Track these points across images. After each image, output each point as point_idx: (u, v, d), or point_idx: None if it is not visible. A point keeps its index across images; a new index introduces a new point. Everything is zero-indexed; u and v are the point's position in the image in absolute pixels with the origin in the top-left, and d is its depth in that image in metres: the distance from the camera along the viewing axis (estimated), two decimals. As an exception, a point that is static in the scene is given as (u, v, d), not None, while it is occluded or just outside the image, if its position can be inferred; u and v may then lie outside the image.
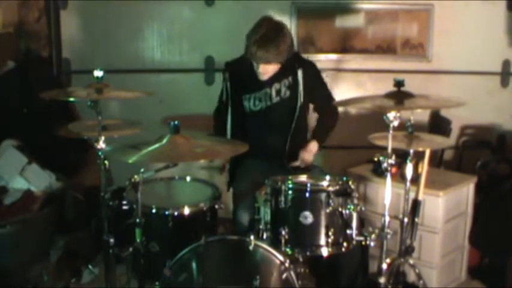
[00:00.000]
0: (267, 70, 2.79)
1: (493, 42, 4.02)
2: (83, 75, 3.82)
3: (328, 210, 2.23)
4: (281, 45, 2.72)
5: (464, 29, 3.99)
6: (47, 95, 2.42)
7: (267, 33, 2.71)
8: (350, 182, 2.32)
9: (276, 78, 2.86)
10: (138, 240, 2.26)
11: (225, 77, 2.94)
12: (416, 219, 2.77)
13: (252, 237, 2.18)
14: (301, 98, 2.87)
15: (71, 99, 2.69)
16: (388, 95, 2.36)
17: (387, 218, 2.36)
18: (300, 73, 2.86)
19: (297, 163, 2.84)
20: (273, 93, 2.87)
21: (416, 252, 2.94)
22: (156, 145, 2.15)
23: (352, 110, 3.99)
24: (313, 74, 2.93)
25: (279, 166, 2.82)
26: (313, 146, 2.88)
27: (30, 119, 3.60)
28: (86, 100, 2.33)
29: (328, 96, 2.97)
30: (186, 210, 2.44)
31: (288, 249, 2.24)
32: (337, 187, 2.27)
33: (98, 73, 2.40)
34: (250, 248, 2.18)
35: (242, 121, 2.93)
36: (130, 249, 2.34)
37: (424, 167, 2.78)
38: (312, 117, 3.05)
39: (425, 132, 2.96)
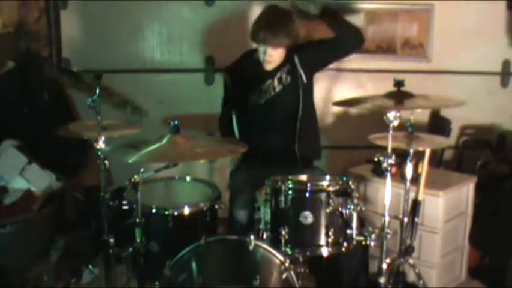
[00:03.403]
0: (273, 57, 2.79)
1: (493, 42, 4.02)
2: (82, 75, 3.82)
3: (328, 210, 2.23)
4: (289, 29, 2.74)
5: (464, 29, 3.99)
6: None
7: (274, 18, 2.75)
8: (350, 182, 2.31)
9: (277, 68, 2.87)
10: (138, 240, 2.26)
11: (227, 81, 2.93)
12: (416, 219, 2.77)
13: (252, 237, 2.19)
14: (303, 79, 2.87)
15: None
16: (388, 95, 2.36)
17: (387, 218, 2.36)
18: (296, 58, 2.87)
19: None
20: (275, 82, 2.87)
21: (416, 252, 2.94)
22: (156, 145, 2.15)
23: (352, 110, 3.99)
24: (307, 47, 2.92)
25: (285, 163, 2.81)
26: None
27: (30, 119, 3.60)
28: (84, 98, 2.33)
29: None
30: (186, 210, 2.44)
31: (288, 249, 2.24)
32: (337, 187, 2.27)
33: (97, 73, 2.40)
34: (250, 248, 2.18)
35: (247, 124, 2.92)
36: (131, 249, 2.34)
37: (424, 167, 2.78)
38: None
39: (425, 132, 2.97)
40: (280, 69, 2.87)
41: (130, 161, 2.07)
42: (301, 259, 2.29)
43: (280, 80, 2.87)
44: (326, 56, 2.93)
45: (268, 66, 2.83)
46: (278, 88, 2.88)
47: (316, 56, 2.89)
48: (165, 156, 2.19)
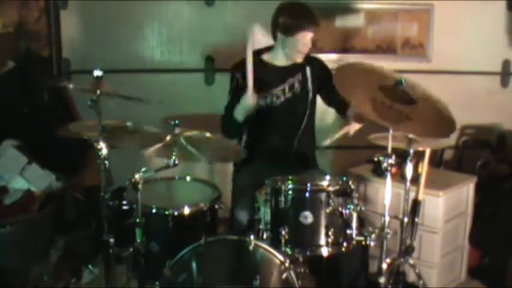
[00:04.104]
0: (308, 46, 2.79)
1: (493, 42, 4.02)
2: (82, 75, 3.82)
3: (328, 210, 2.23)
4: None
5: (464, 29, 3.99)
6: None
7: (306, 6, 2.77)
8: (350, 182, 2.31)
9: (289, 74, 2.87)
10: (138, 240, 2.26)
11: (238, 79, 2.88)
12: (416, 219, 2.77)
13: (252, 237, 2.18)
14: (310, 93, 2.88)
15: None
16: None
17: (387, 218, 2.36)
18: (308, 70, 2.88)
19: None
20: (287, 88, 2.87)
21: (416, 252, 2.94)
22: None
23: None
24: (320, 69, 2.94)
25: (285, 164, 2.81)
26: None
27: (30, 119, 3.61)
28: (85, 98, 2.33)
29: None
30: (186, 210, 2.44)
31: (288, 249, 2.23)
32: (337, 187, 2.26)
33: (97, 73, 2.40)
34: (250, 248, 2.18)
35: (252, 124, 2.91)
36: (131, 249, 2.34)
37: (424, 167, 2.78)
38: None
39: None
40: (294, 77, 2.87)
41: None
42: (301, 259, 2.29)
43: (291, 87, 2.87)
44: (322, 94, 2.97)
45: (300, 58, 2.83)
46: (288, 95, 2.87)
47: (323, 86, 2.93)
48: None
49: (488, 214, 3.35)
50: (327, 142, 2.77)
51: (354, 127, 2.78)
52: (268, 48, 2.91)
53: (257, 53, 2.89)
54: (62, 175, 3.47)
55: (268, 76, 2.85)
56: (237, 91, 2.87)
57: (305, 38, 2.76)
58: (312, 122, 2.98)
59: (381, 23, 4.06)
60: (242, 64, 2.89)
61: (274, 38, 2.84)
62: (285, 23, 2.76)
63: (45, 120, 3.45)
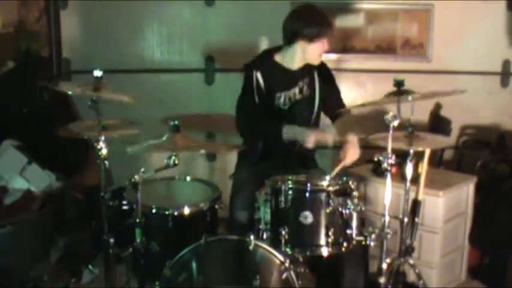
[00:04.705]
0: (327, 48, 2.81)
1: (493, 42, 4.02)
2: (82, 75, 3.82)
3: (328, 210, 2.23)
4: None
5: (464, 29, 3.99)
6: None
7: (320, 11, 2.77)
8: (350, 182, 2.31)
9: (300, 77, 2.87)
10: (138, 240, 2.26)
11: (257, 79, 2.85)
12: (416, 219, 2.77)
13: (252, 237, 2.19)
14: (317, 97, 2.89)
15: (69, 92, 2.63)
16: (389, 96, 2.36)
17: (387, 218, 2.36)
18: (315, 74, 2.88)
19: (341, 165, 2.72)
20: (297, 90, 2.87)
21: (416, 252, 2.94)
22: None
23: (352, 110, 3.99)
24: (327, 76, 2.95)
25: (286, 164, 2.81)
26: (353, 137, 2.77)
27: (30, 119, 3.61)
28: (84, 98, 2.33)
29: (340, 103, 2.98)
30: (186, 210, 2.44)
31: (288, 249, 2.23)
32: (337, 187, 2.27)
33: (97, 73, 2.40)
34: (250, 248, 2.18)
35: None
36: (130, 249, 2.34)
37: (424, 167, 2.78)
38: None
39: (425, 132, 2.96)
40: (303, 80, 2.87)
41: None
42: (301, 259, 2.30)
43: (301, 90, 2.87)
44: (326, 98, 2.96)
45: (318, 60, 2.85)
46: (298, 97, 2.87)
47: (328, 89, 2.94)
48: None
49: (488, 214, 3.35)
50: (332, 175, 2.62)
51: (350, 160, 2.74)
52: (278, 48, 2.89)
53: (270, 53, 2.88)
54: (62, 175, 3.47)
55: (281, 78, 2.84)
56: (256, 91, 2.83)
57: (325, 42, 2.78)
58: (316, 124, 2.99)
59: (381, 23, 4.06)
60: (259, 63, 2.88)
61: (289, 42, 2.82)
62: (309, 32, 2.75)
63: (45, 120, 3.45)
